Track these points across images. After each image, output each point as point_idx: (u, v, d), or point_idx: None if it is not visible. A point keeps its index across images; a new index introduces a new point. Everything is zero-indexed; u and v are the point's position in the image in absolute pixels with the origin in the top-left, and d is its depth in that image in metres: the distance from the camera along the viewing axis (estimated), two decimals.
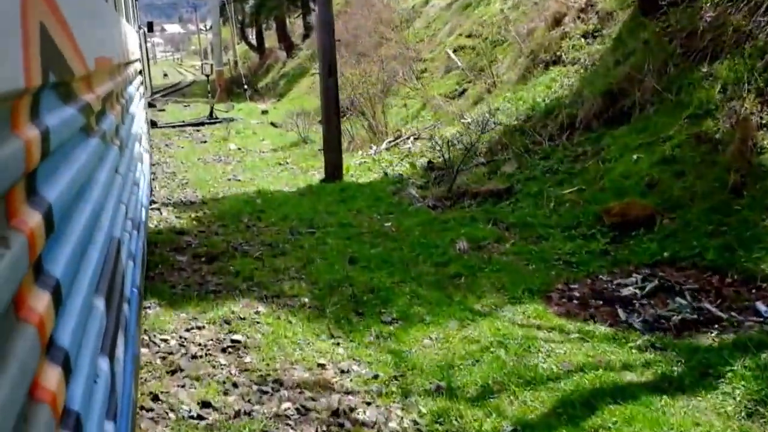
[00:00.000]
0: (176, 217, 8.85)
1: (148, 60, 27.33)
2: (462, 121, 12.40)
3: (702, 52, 8.21)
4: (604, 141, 8.80)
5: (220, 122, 20.57)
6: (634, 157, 7.79)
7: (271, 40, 46.80)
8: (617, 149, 8.31)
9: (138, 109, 6.26)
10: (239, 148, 15.72)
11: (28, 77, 1.32)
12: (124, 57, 4.39)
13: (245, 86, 30.35)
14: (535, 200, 8.28)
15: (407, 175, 11.08)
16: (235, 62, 43.36)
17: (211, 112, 21.86)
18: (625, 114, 9.01)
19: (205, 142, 17.10)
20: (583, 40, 11.67)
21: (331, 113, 11.51)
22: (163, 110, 26.16)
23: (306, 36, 38.39)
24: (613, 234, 6.69)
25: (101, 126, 2.71)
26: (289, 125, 18.17)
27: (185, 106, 29.13)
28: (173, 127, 20.22)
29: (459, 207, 8.94)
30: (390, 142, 13.83)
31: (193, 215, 8.95)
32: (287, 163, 14.00)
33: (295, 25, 42.99)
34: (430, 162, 11.33)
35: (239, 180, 11.99)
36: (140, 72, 7.77)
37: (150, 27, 27.98)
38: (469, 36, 17.20)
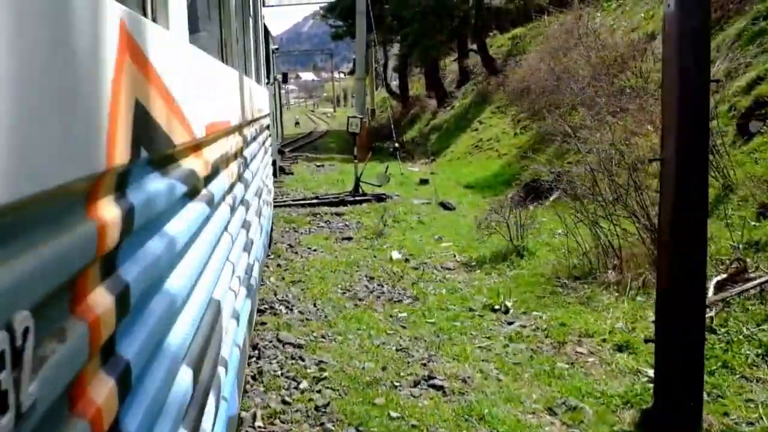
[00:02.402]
0: None
1: (281, 108, 24.61)
2: None
3: None
4: None
5: (369, 201, 14.22)
6: None
7: (416, 86, 41.50)
8: None
9: (261, 164, 6.40)
10: (406, 259, 9.17)
11: (111, 157, 1.28)
12: (245, 118, 4.48)
13: (396, 143, 21.69)
14: None
15: None
16: (372, 111, 39.13)
17: (357, 186, 14.90)
18: None
19: (350, 239, 10.65)
20: None
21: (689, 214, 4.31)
22: (291, 173, 20.19)
23: (462, 82, 33.23)
24: None
25: (209, 189, 2.71)
26: (476, 213, 11.78)
27: (318, 166, 22.92)
28: (302, 205, 13.74)
29: None
30: (725, 282, 6.17)
31: None
32: (506, 308, 6.91)
33: (446, 70, 37.23)
34: None
35: (439, 385, 5.14)
36: (267, 127, 7.99)
37: (285, 78, 28.57)
38: None
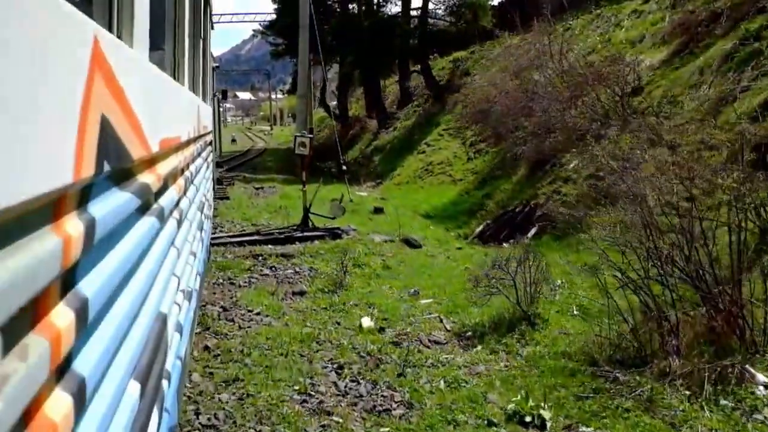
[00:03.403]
0: None
1: (220, 125, 23.43)
2: None
3: None
4: None
5: (321, 237, 11.35)
6: None
7: (354, 106, 40.29)
8: None
9: (204, 179, 6.29)
10: (381, 328, 6.95)
11: (78, 171, 1.23)
12: (193, 133, 4.39)
13: (343, 164, 18.68)
14: None
15: None
16: (311, 129, 36.92)
17: (306, 219, 11.98)
18: None
19: (303, 293, 8.10)
20: None
21: None
22: (227, 197, 16.56)
23: (404, 103, 31.86)
24: None
25: (160, 203, 2.64)
26: (446, 252, 10.86)
27: (257, 188, 19.65)
28: (240, 243, 10.65)
29: None
30: None
31: None
32: (542, 420, 4.74)
33: (386, 91, 35.90)
34: None
35: None
36: (210, 143, 7.86)
37: (224, 95, 28.03)
38: None
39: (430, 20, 33.61)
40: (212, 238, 9.67)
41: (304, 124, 25.28)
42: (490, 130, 19.18)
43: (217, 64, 20.89)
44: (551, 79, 15.46)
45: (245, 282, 8.55)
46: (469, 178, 18.71)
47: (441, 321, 7.25)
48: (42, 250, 1.08)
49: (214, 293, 7.95)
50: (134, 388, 1.93)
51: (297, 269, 9.33)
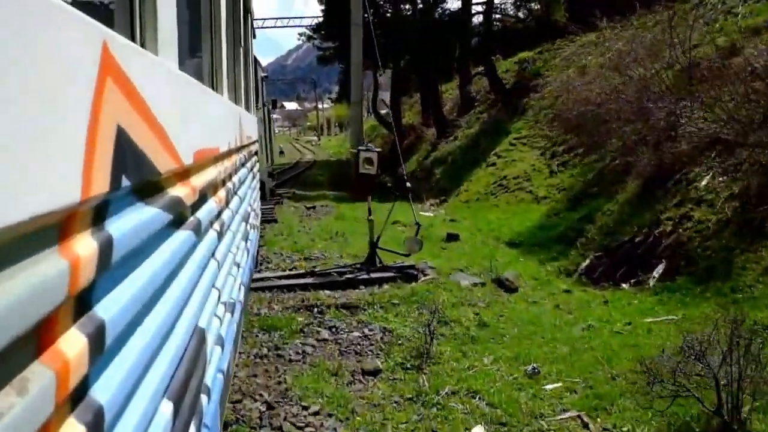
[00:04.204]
0: None
1: (271, 133, 22.10)
2: None
3: None
4: None
5: (392, 279, 8.99)
6: None
7: (407, 114, 36.23)
8: None
9: (249, 189, 6.25)
10: None
11: (87, 188, 1.14)
12: (234, 143, 4.34)
13: (406, 181, 12.08)
14: None
15: None
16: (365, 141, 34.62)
17: (373, 255, 9.59)
18: None
19: (377, 373, 5.80)
20: None
21: None
22: (274, 219, 14.41)
23: (465, 109, 27.92)
24: None
25: (197, 216, 2.57)
26: (551, 299, 8.37)
27: (309, 208, 16.98)
28: (290, 287, 8.57)
29: None
30: None
31: None
32: None
33: (442, 97, 31.79)
34: None
35: None
36: (255, 153, 7.84)
37: (274, 104, 27.54)
38: None
39: (495, 16, 30.00)
40: (255, 279, 8.26)
41: (359, 135, 22.36)
42: (578, 138, 16.08)
43: (266, 74, 20.40)
44: (669, 75, 12.62)
45: (297, 353, 6.33)
46: (555, 195, 15.48)
47: (587, 428, 4.75)
48: (46, 274, 0.99)
49: (255, 375, 5.77)
50: (167, 407, 1.85)
51: (365, 330, 6.96)
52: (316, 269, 9.50)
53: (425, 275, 9.05)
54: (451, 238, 12.44)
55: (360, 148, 9.98)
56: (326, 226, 13.85)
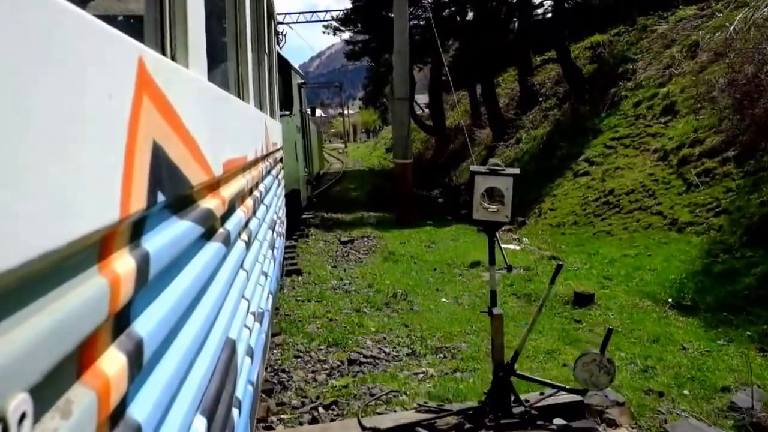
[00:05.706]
0: None
1: (310, 143, 19.03)
2: None
3: None
4: None
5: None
6: None
7: (450, 114, 30.29)
8: None
9: (275, 196, 6.27)
10: None
11: (126, 207, 1.14)
12: (261, 151, 4.36)
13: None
14: None
15: None
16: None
17: (503, 385, 4.13)
18: None
19: None
20: None
21: None
22: (297, 270, 10.16)
23: (527, 105, 22.94)
24: None
25: (226, 227, 2.57)
26: None
27: (344, 243, 13.03)
28: None
29: None
30: None
31: None
32: None
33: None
34: None
35: None
36: (281, 160, 7.87)
37: (313, 112, 23.14)
38: None
39: None
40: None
41: (404, 141, 17.24)
42: (747, 132, 11.21)
43: (303, 80, 17.67)
44: None
45: None
46: (711, 220, 10.27)
47: None
48: (87, 294, 0.99)
49: None
50: (200, 423, 1.84)
51: None
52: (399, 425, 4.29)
53: (600, 420, 4.50)
54: (582, 300, 7.92)
55: (474, 168, 4.63)
56: (375, 278, 9.69)
